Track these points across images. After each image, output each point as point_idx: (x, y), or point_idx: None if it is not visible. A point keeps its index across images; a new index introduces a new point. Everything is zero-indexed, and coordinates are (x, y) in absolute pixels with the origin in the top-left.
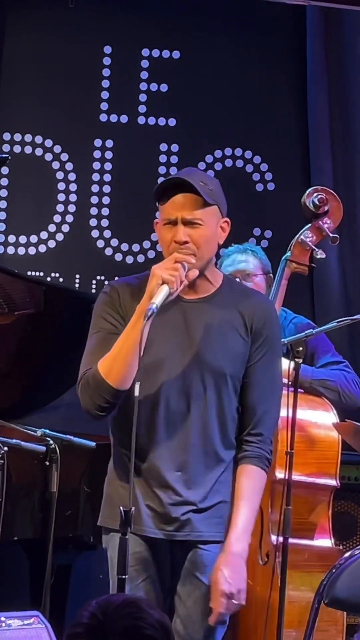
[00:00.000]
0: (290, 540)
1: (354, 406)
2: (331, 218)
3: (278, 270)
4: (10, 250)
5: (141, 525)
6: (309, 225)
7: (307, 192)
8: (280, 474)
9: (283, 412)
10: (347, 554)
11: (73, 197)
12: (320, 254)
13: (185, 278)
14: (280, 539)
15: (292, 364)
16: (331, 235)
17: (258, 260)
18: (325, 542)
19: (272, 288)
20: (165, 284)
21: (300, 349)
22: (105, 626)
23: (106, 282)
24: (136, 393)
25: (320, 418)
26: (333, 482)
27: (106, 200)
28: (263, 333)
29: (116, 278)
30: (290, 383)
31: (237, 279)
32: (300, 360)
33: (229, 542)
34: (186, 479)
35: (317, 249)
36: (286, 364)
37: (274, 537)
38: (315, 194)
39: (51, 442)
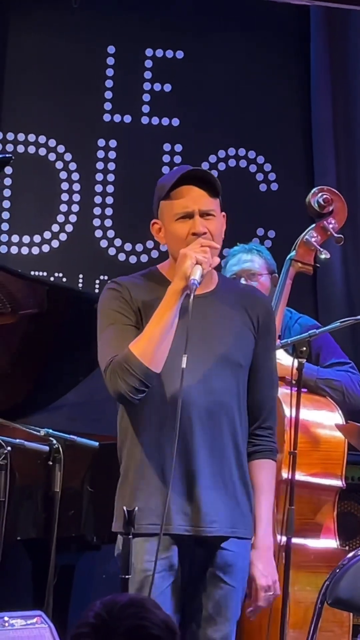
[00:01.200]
0: (296, 541)
1: (358, 407)
2: (336, 218)
3: (282, 270)
4: (14, 250)
5: (169, 524)
6: (314, 225)
7: (312, 191)
8: (286, 474)
9: (288, 412)
10: (350, 554)
11: (76, 197)
12: (324, 254)
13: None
14: (285, 539)
15: (296, 363)
16: (336, 235)
17: (263, 259)
18: (330, 542)
19: (276, 287)
20: (198, 264)
21: (304, 349)
22: (111, 626)
23: (102, 287)
24: (183, 365)
25: (325, 418)
26: (339, 483)
27: (109, 200)
28: (267, 329)
29: None
30: (294, 382)
31: (243, 279)
32: (304, 360)
33: (258, 537)
34: (213, 473)
35: (321, 249)
36: (289, 362)
37: (279, 538)
38: (320, 194)
39: (54, 441)
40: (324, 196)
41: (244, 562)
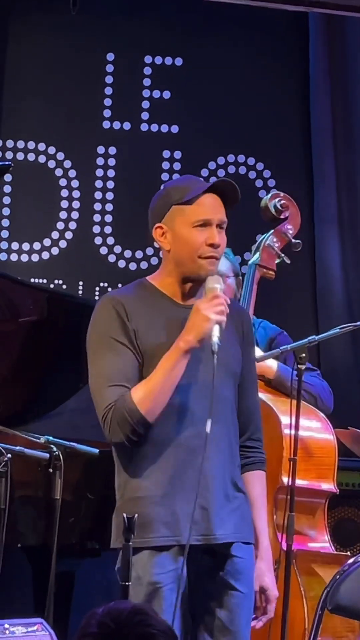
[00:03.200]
0: (301, 547)
1: (325, 414)
2: (292, 224)
3: (247, 276)
4: (14, 257)
5: (179, 535)
6: (272, 230)
7: (269, 195)
8: (287, 480)
9: (286, 420)
10: (350, 560)
11: (76, 204)
12: (284, 259)
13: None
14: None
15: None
16: (294, 241)
17: (230, 262)
18: (327, 546)
19: (241, 290)
20: (218, 324)
21: (303, 355)
22: (118, 635)
23: (102, 294)
24: (207, 429)
25: (315, 425)
26: (332, 488)
27: (109, 207)
28: (250, 340)
29: (119, 285)
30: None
31: None
32: (303, 367)
33: (262, 548)
34: (220, 481)
35: (282, 254)
36: (271, 363)
37: (283, 544)
38: (277, 198)
39: (55, 448)
40: (281, 201)
41: (252, 567)
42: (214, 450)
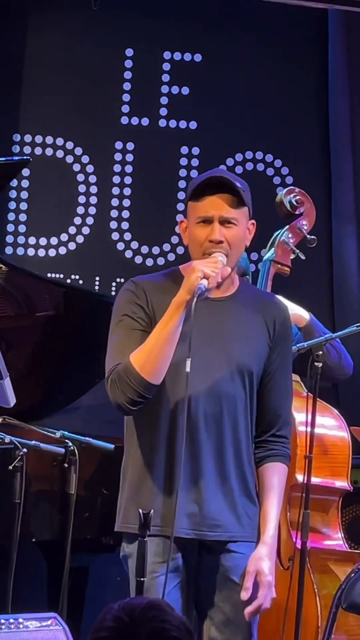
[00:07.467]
0: (316, 545)
1: (343, 374)
2: (307, 219)
3: (262, 272)
4: (31, 252)
5: (170, 527)
6: (287, 226)
7: (285, 190)
8: (301, 478)
9: (301, 417)
10: None
11: (93, 200)
12: (300, 255)
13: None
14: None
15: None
16: (309, 237)
17: None
18: (341, 544)
19: None
20: (205, 279)
21: (320, 353)
22: (132, 630)
23: (118, 289)
24: (187, 369)
25: (329, 422)
26: (345, 485)
27: (126, 202)
28: (284, 338)
29: None
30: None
31: None
32: (320, 364)
33: (267, 535)
34: (219, 476)
35: (297, 250)
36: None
37: (297, 542)
38: (292, 194)
39: (70, 443)
40: (297, 197)
41: None
42: (212, 447)
